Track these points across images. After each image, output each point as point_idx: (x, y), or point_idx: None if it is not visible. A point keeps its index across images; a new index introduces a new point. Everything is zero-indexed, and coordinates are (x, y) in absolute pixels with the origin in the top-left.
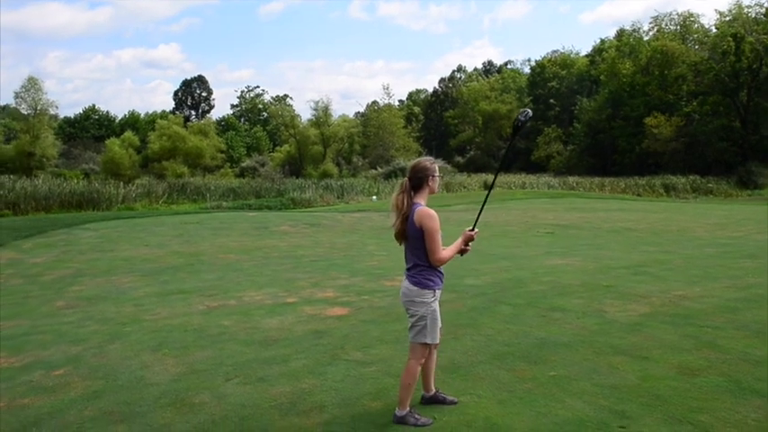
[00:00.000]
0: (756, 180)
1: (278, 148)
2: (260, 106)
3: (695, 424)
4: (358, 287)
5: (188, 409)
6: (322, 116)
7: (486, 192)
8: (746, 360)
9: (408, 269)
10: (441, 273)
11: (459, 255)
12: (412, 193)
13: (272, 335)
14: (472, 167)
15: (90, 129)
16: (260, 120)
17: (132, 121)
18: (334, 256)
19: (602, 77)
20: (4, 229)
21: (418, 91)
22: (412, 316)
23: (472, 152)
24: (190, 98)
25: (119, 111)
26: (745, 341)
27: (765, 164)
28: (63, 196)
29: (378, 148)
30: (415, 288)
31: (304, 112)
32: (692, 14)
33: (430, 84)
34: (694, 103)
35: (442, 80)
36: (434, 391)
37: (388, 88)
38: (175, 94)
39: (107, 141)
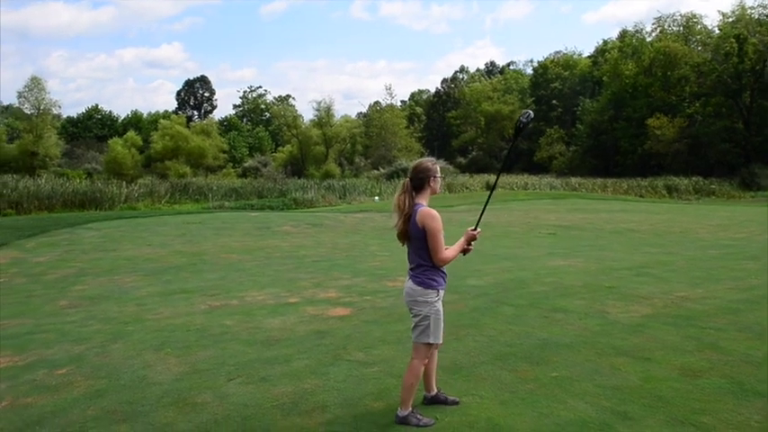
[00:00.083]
0: (759, 182)
1: (280, 148)
2: (262, 106)
3: (697, 425)
4: (360, 287)
5: (190, 408)
6: (324, 116)
7: (489, 192)
8: (749, 362)
9: (412, 269)
10: (444, 273)
11: (461, 254)
12: (413, 194)
13: (275, 335)
14: (474, 168)
15: (93, 128)
16: (262, 120)
17: (135, 121)
18: (336, 257)
19: (604, 78)
20: (8, 228)
21: (420, 91)
22: (415, 316)
23: (474, 153)
24: (192, 98)
25: (121, 110)
26: (748, 343)
27: None
28: (66, 196)
29: (380, 148)
30: (419, 288)
31: (306, 113)
32: (694, 15)
33: (432, 84)
34: (697, 105)
35: (444, 80)
36: (436, 391)
37: (390, 88)
38: (178, 94)
39: (110, 141)
